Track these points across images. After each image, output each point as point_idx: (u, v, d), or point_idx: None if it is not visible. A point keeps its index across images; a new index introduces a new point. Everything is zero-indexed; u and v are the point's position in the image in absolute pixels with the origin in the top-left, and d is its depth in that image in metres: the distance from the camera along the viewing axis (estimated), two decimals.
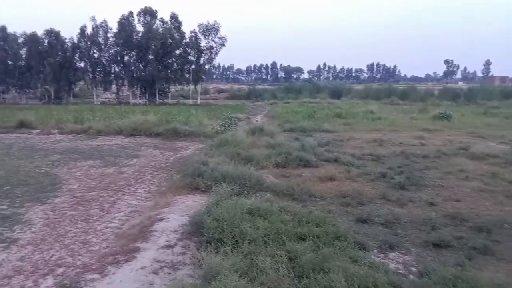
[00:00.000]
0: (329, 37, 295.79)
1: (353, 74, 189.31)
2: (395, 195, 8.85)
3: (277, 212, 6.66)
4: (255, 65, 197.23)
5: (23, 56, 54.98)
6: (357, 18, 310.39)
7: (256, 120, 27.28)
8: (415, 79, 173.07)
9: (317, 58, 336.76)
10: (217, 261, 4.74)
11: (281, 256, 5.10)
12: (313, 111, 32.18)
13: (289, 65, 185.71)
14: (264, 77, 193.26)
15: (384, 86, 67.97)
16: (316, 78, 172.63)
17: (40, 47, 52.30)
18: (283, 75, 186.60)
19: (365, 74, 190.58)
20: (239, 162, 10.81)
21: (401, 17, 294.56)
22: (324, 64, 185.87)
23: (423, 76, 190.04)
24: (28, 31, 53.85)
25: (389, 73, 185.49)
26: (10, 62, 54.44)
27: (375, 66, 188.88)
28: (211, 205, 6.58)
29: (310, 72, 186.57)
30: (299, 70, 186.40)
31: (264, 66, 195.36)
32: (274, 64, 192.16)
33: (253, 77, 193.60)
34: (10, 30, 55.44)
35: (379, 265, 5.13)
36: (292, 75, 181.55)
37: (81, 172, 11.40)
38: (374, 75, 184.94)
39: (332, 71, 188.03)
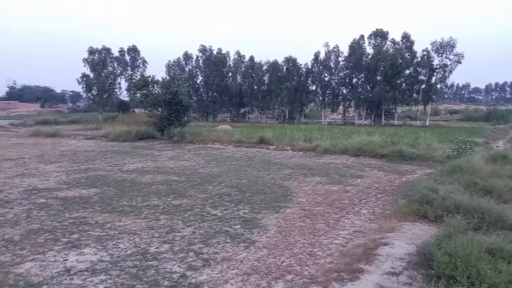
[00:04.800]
0: None
1: None
2: None
3: None
4: (496, 83, 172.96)
5: (266, 81, 63.22)
6: None
7: (497, 146, 23.66)
8: None
9: None
10: None
11: None
12: None
13: None
14: (508, 96, 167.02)
15: None
16: None
17: (279, 73, 59.19)
18: None
19: None
20: (476, 192, 9.55)
21: None
22: None
23: None
24: (271, 60, 61.84)
25: None
26: (255, 87, 63.49)
27: None
28: (442, 237, 6.00)
29: None
30: None
31: (509, 84, 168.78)
32: None
33: (493, 97, 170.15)
34: (256, 59, 65.01)
35: None
36: None
37: (309, 187, 12.17)
38: None
39: None
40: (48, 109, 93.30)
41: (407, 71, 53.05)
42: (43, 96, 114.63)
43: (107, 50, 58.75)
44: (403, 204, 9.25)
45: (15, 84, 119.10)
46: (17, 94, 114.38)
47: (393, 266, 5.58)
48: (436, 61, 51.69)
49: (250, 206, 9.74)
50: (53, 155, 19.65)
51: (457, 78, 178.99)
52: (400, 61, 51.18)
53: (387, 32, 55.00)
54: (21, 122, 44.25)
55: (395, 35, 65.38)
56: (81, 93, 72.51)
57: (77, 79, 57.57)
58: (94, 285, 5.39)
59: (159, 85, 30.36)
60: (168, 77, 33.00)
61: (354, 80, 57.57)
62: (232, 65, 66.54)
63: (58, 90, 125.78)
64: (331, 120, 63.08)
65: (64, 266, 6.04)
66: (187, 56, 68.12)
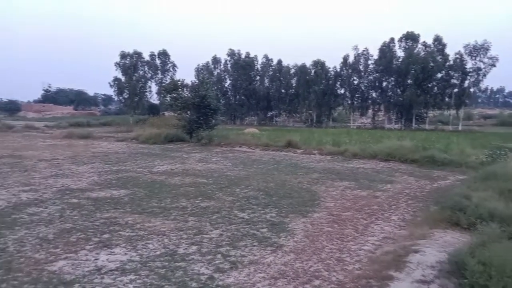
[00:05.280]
0: None
1: None
2: None
3: None
4: None
5: (293, 85, 63.07)
6: None
7: None
8: None
9: None
10: None
11: None
12: None
13: None
14: None
15: None
16: None
17: (307, 77, 58.97)
18: None
19: None
20: (511, 200, 9.21)
21: None
22: None
23: None
24: (299, 63, 61.68)
25: None
26: (283, 91, 63.50)
27: None
28: (476, 246, 5.81)
29: None
30: None
31: None
32: None
33: None
34: (284, 63, 65.01)
35: None
36: None
37: (337, 192, 12.04)
38: None
39: None
40: (81, 111, 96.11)
41: (439, 75, 51.85)
42: (77, 99, 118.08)
43: (138, 55, 59.97)
44: (435, 210, 9.04)
45: (50, 87, 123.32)
46: (52, 97, 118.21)
47: (424, 274, 5.44)
48: (469, 65, 50.40)
49: (277, 210, 9.70)
50: (86, 156, 20.22)
51: (491, 81, 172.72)
52: (431, 64, 50.09)
53: (418, 35, 54.03)
54: (55, 124, 45.72)
55: (427, 38, 63.56)
56: (113, 96, 74.34)
57: (109, 83, 59.13)
58: (124, 285, 5.50)
59: (188, 89, 30.79)
60: (197, 81, 33.37)
61: (384, 84, 56.74)
62: (260, 68, 66.80)
63: (90, 93, 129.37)
64: (360, 124, 62.27)
65: (95, 265, 6.18)
66: (215, 60, 68.91)
